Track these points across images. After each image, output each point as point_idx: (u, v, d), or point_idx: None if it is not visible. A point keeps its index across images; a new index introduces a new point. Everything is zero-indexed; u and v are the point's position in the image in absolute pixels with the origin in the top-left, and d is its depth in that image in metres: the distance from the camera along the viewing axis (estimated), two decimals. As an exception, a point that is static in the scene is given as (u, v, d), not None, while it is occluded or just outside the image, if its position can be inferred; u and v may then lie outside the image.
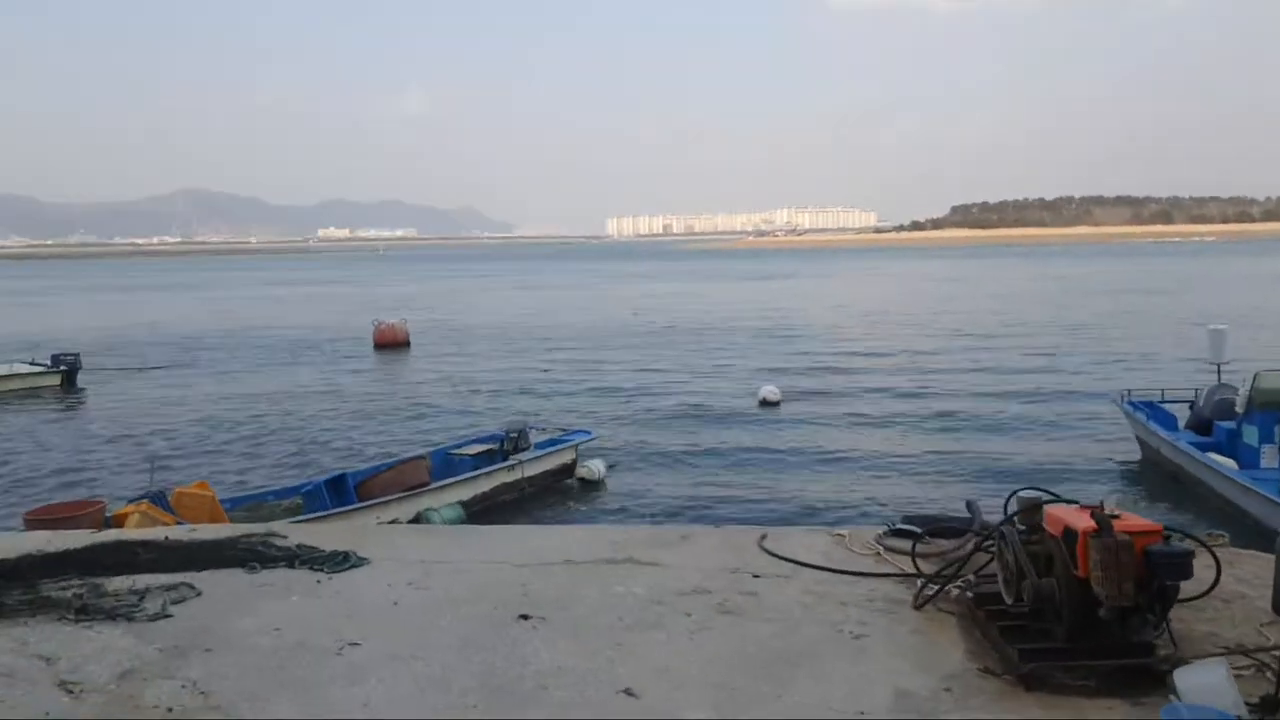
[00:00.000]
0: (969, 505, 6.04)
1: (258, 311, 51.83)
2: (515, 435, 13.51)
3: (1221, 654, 3.74)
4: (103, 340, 36.31)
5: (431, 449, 13.81)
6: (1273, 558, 5.19)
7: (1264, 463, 11.96)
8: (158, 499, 9.79)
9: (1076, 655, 3.73)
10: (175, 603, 4.64)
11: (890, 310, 44.65)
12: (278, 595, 4.78)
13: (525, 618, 4.40)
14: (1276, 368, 12.66)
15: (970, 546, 4.80)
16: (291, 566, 5.22)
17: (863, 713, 3.50)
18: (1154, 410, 14.35)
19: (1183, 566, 3.57)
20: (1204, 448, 12.71)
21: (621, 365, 26.98)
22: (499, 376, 25.35)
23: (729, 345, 31.46)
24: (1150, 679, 3.61)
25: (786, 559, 5.26)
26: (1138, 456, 14.69)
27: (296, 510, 10.87)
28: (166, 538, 5.85)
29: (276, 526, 6.26)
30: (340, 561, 5.23)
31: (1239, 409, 12.52)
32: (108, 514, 9.31)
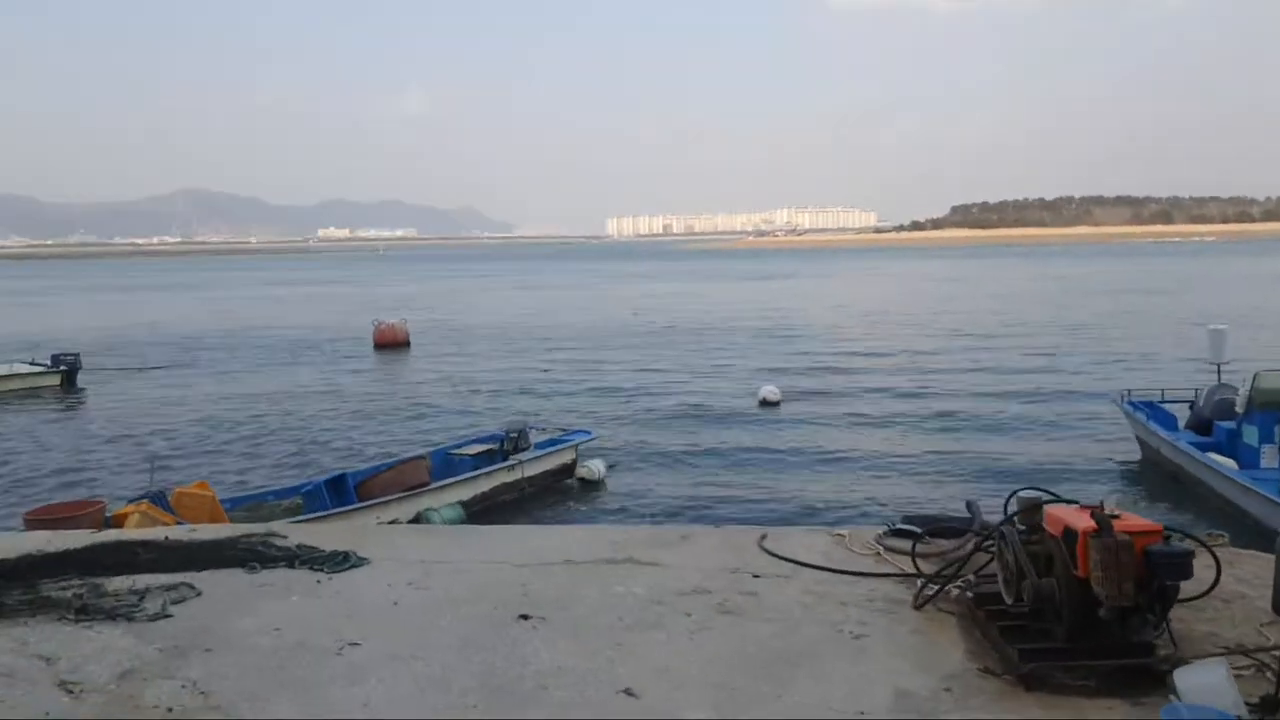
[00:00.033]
0: (969, 505, 6.04)
1: (258, 311, 51.83)
2: (515, 435, 13.51)
3: (1221, 654, 3.74)
4: (103, 340, 36.31)
5: (431, 449, 13.81)
6: (1273, 558, 5.19)
7: (1264, 463, 11.97)
8: (158, 499, 9.79)
9: (1076, 655, 3.73)
10: (175, 603, 4.64)
11: (890, 310, 44.64)
12: (278, 595, 4.78)
13: (525, 618, 4.40)
14: (1276, 368, 12.66)
15: (970, 546, 4.80)
16: (291, 566, 5.22)
17: (863, 713, 3.50)
18: (1154, 410, 14.35)
19: (1183, 566, 3.57)
20: (1204, 448, 12.71)
21: (621, 365, 26.98)
22: (499, 376, 25.35)
23: (729, 345, 31.45)
24: (1150, 679, 3.61)
25: (786, 559, 5.26)
26: (1138, 456, 14.69)
27: (296, 510, 10.87)
28: (166, 538, 5.85)
29: (276, 526, 6.26)
30: (340, 561, 5.23)
31: (1239, 409, 12.52)
32: (108, 514, 9.31)
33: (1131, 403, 14.93)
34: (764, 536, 5.72)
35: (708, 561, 5.28)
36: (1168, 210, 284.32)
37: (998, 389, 21.33)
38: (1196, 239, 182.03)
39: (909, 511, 7.97)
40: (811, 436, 16.84)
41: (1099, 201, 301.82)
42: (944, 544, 5.35)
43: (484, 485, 12.60)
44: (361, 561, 5.27)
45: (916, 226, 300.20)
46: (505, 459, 13.16)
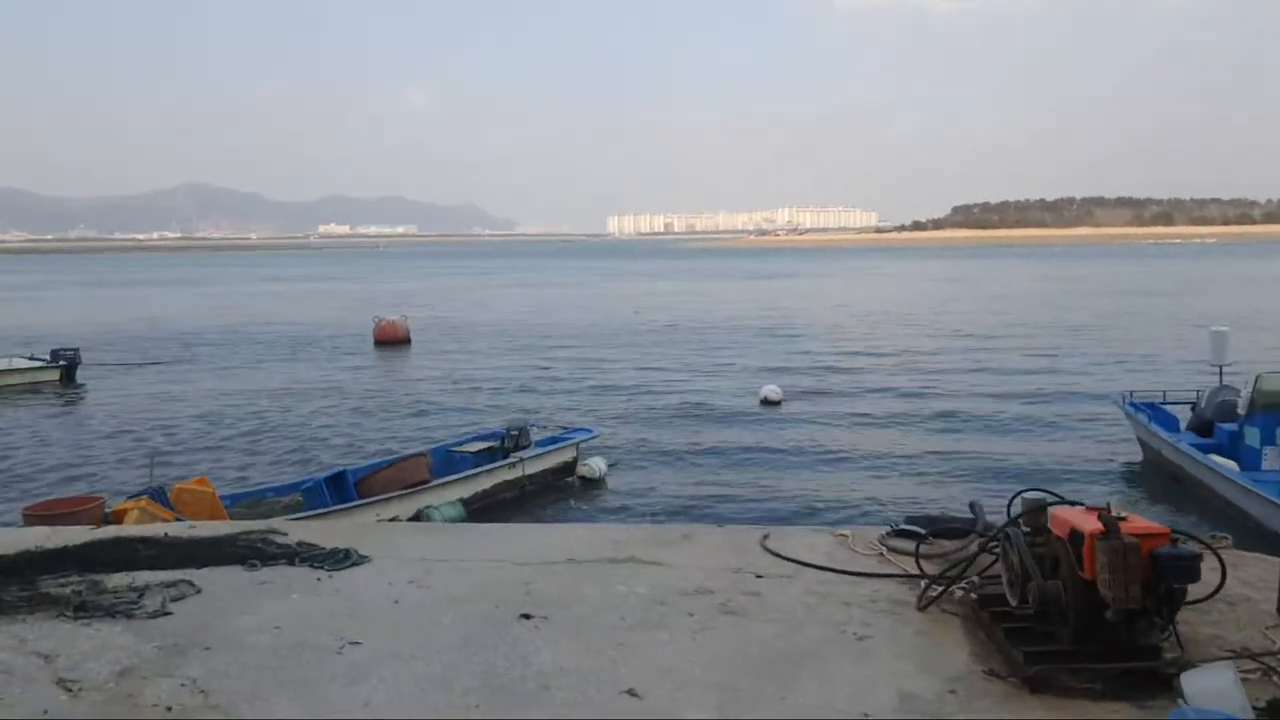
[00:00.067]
0: (972, 506, 6.01)
1: (257, 307, 51.82)
2: (516, 433, 13.50)
3: (1228, 658, 3.72)
4: (102, 335, 36.30)
5: (432, 446, 13.79)
6: (1277, 561, 5.18)
7: (1265, 465, 11.97)
8: (157, 495, 9.77)
9: (1082, 658, 3.70)
10: (175, 600, 4.61)
11: (891, 310, 44.63)
12: (278, 593, 4.75)
13: (527, 617, 4.37)
14: (1278, 370, 12.65)
15: (974, 548, 4.78)
16: (292, 564, 5.19)
17: (867, 714, 3.47)
18: (1155, 412, 14.34)
19: (1190, 569, 3.54)
20: (1205, 449, 12.70)
21: (622, 364, 26.97)
22: (499, 374, 25.33)
23: (730, 344, 31.44)
24: (1156, 682, 3.59)
25: (789, 559, 5.24)
26: (1139, 458, 14.68)
27: (296, 507, 10.85)
28: (166, 534, 5.82)
29: (276, 523, 6.23)
30: (341, 559, 5.20)
31: (1241, 411, 12.52)
32: (107, 510, 9.30)
33: (1133, 404, 14.92)
34: (766, 536, 5.70)
35: (710, 561, 5.26)
36: (1169, 212, 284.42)
37: (999, 389, 21.32)
38: (1197, 240, 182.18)
39: (911, 512, 7.94)
40: (813, 436, 16.82)
41: (1100, 202, 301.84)
42: (947, 545, 5.32)
43: (485, 483, 12.58)
44: (362, 559, 5.24)
45: (917, 226, 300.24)
46: (506, 457, 13.14)
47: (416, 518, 11.20)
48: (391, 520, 10.66)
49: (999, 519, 4.76)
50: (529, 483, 13.22)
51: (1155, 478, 13.77)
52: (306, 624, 4.31)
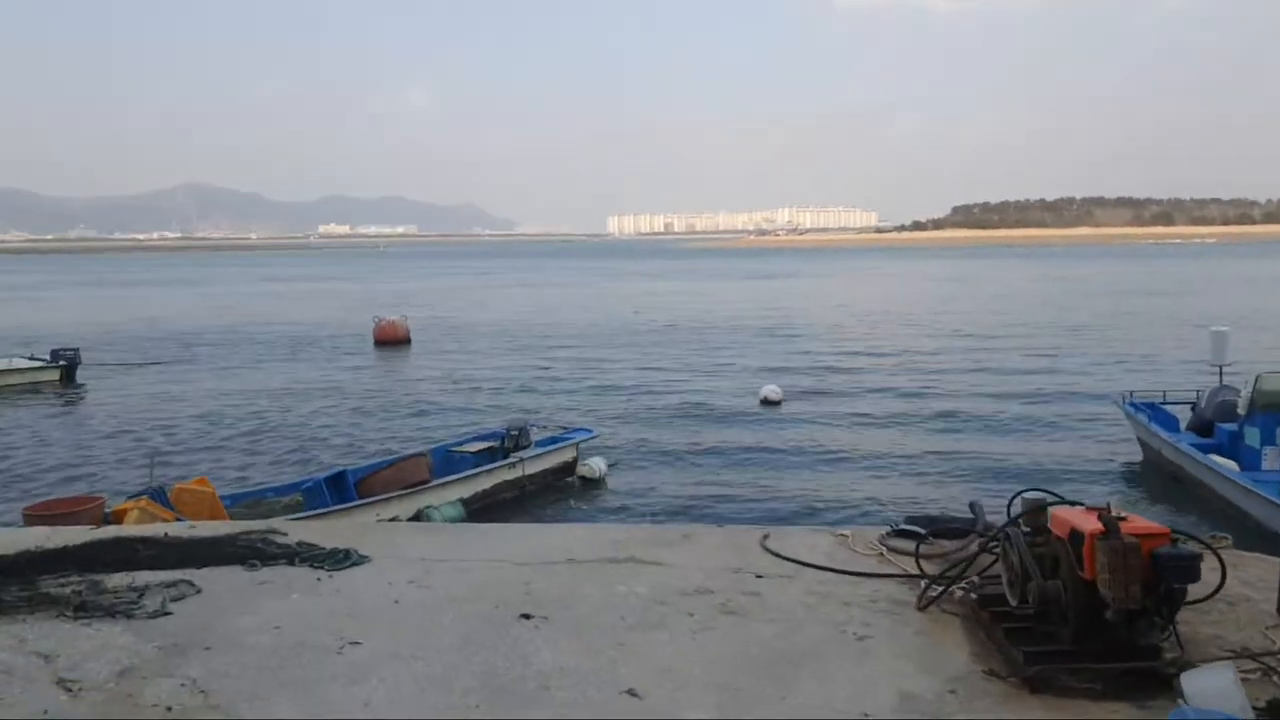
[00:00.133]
0: (972, 506, 6.01)
1: (258, 307, 51.82)
2: (516, 433, 13.50)
3: (1228, 658, 3.72)
4: (102, 335, 36.30)
5: (432, 446, 13.78)
6: (1277, 560, 5.18)
7: (1265, 465, 11.97)
8: (157, 495, 9.77)
9: (1082, 658, 3.70)
10: (175, 600, 4.61)
11: (891, 310, 44.64)
12: (278, 593, 4.75)
13: (527, 617, 4.37)
14: (1278, 370, 12.65)
15: (975, 548, 4.78)
16: (292, 564, 5.19)
17: (867, 714, 3.47)
18: (1155, 412, 14.34)
19: (1190, 569, 3.54)
20: (1205, 449, 12.70)
21: (622, 364, 26.97)
22: (500, 374, 25.34)
23: (730, 344, 31.45)
24: (1156, 682, 3.59)
25: (789, 559, 5.24)
26: (1139, 458, 14.68)
27: (296, 507, 10.84)
28: (166, 534, 5.82)
29: (276, 523, 6.23)
30: (341, 559, 5.20)
31: (1241, 411, 12.52)
32: (107, 510, 9.30)
33: (1133, 404, 14.92)
34: (766, 536, 5.70)
35: (710, 561, 5.25)
36: (1169, 212, 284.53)
37: (999, 390, 21.32)
38: (1197, 240, 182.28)
39: (910, 512, 7.94)
40: (812, 436, 16.83)
41: (1100, 202, 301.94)
42: (947, 545, 5.32)
43: (484, 483, 12.58)
44: (362, 559, 5.24)
45: (917, 226, 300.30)
46: (506, 457, 13.14)
47: (416, 518, 11.20)
48: (391, 520, 10.66)
49: (999, 519, 4.75)
50: (529, 483, 13.21)
51: (1155, 478, 13.77)
52: (306, 624, 4.31)
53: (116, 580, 4.90)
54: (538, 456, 13.41)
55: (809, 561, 5.19)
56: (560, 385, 23.30)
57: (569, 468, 13.99)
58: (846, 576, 4.97)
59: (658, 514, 12.33)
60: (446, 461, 13.00)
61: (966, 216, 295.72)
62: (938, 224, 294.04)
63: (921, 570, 4.92)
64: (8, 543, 5.68)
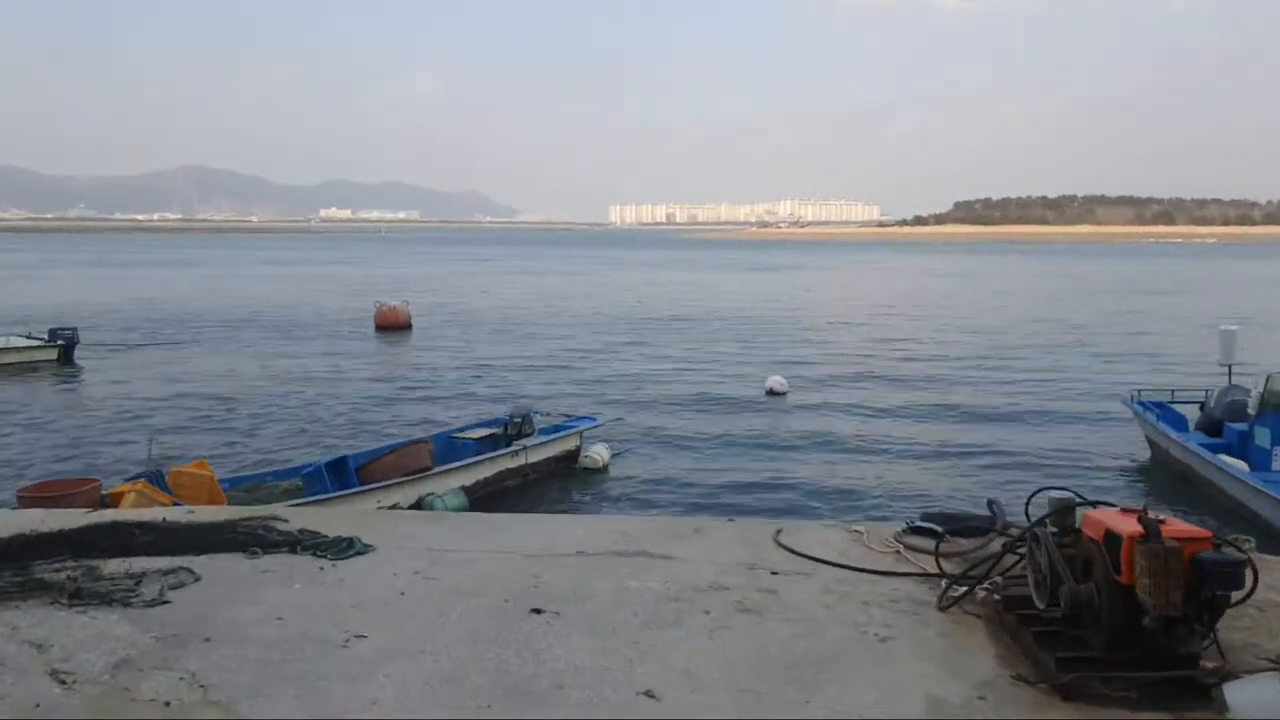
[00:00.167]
0: (991, 504, 5.87)
1: (258, 290, 51.64)
2: (519, 420, 13.36)
3: (1270, 667, 3.58)
4: (101, 315, 36.15)
5: (434, 433, 13.65)
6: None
7: (1276, 465, 11.87)
8: (155, 478, 9.63)
9: (1117, 665, 3.56)
10: (173, 588, 4.45)
11: (895, 304, 44.52)
12: (280, 582, 4.60)
13: (538, 612, 4.23)
14: (1288, 370, 12.52)
15: (999, 547, 4.63)
16: (294, 552, 5.03)
17: (896, 721, 3.33)
18: (1164, 411, 14.23)
19: (1235, 576, 3.40)
20: (1215, 449, 12.59)
21: (626, 353, 26.85)
22: (501, 360, 25.21)
23: (735, 335, 31.34)
24: (1194, 692, 3.44)
25: (805, 555, 5.09)
26: (1147, 456, 14.57)
27: (296, 492, 10.71)
28: (164, 519, 5.66)
29: (278, 510, 6.08)
30: (344, 548, 5.05)
31: (1251, 411, 12.41)
32: (103, 492, 9.16)
33: (1141, 403, 14.81)
34: (780, 531, 5.55)
35: (722, 556, 5.11)
36: (1170, 211, 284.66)
37: (1005, 386, 21.21)
38: (1198, 240, 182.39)
39: (920, 507, 7.83)
40: (819, 428, 16.71)
41: (1101, 201, 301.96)
42: (965, 543, 5.18)
43: (487, 471, 12.44)
44: (366, 548, 5.09)
45: (919, 221, 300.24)
46: (509, 444, 13.00)
47: (418, 505, 11.07)
48: (393, 507, 10.53)
49: (1015, 518, 4.61)
50: (532, 471, 13.08)
51: (1163, 477, 13.67)
52: (309, 615, 4.16)
53: (113, 566, 4.74)
54: (541, 444, 13.27)
55: (825, 558, 5.05)
56: (563, 373, 23.18)
57: (572, 456, 13.86)
58: (864, 575, 4.83)
59: (663, 504, 12.21)
60: (449, 448, 12.86)
61: (968, 212, 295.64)
62: (940, 219, 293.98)
63: (942, 570, 4.77)
64: (1, 525, 5.53)
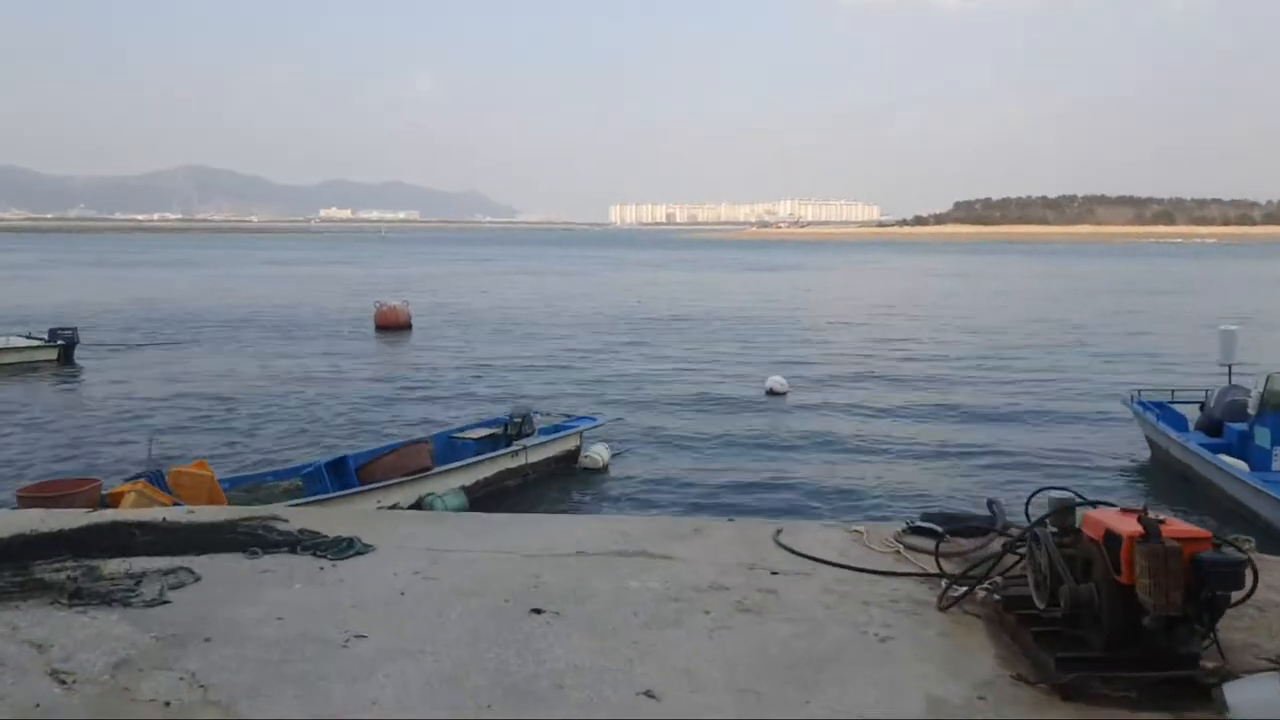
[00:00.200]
0: (990, 504, 5.87)
1: (258, 290, 51.64)
2: (519, 420, 13.36)
3: (1270, 668, 3.58)
4: (101, 315, 36.14)
5: (434, 432, 13.65)
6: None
7: (1275, 465, 11.87)
8: (155, 478, 9.63)
9: (1117, 665, 3.56)
10: (173, 588, 4.45)
11: (895, 304, 44.53)
12: (280, 582, 4.60)
13: (538, 612, 4.23)
14: (1289, 370, 12.52)
15: (999, 547, 4.63)
16: (294, 552, 5.03)
17: (896, 721, 3.33)
18: (1164, 410, 14.23)
19: (1235, 576, 3.40)
20: (1215, 449, 12.59)
21: (626, 353, 26.85)
22: (501, 360, 25.21)
23: (735, 335, 31.35)
24: (1194, 692, 3.45)
25: (804, 555, 5.09)
26: (1147, 456, 14.57)
27: (296, 492, 10.71)
28: (164, 519, 5.66)
29: (278, 510, 6.08)
30: (344, 548, 5.05)
31: (1251, 411, 12.41)
32: (103, 492, 9.16)
33: (1141, 403, 14.81)
34: (779, 531, 5.55)
35: (722, 556, 5.11)
36: (1169, 211, 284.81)
37: (1005, 386, 21.21)
38: (1198, 240, 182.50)
39: (919, 507, 7.83)
40: (819, 428, 16.72)
41: (1101, 201, 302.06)
42: (964, 543, 5.19)
43: (487, 471, 12.44)
44: (366, 549, 5.09)
45: (919, 221, 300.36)
46: (509, 444, 12.99)
47: (418, 505, 11.07)
48: (393, 507, 10.53)
49: (1015, 518, 4.61)
50: (532, 471, 13.08)
51: (1163, 477, 13.67)
52: (310, 615, 4.16)
53: (113, 566, 4.74)
54: (541, 444, 13.27)
55: (824, 558, 5.05)
56: (563, 373, 23.19)
57: (572, 456, 13.86)
58: (864, 574, 4.83)
59: (663, 504, 12.21)
60: (449, 448, 12.86)
61: (968, 212, 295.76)
62: (940, 219, 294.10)
63: (942, 570, 4.77)
64: (1, 525, 5.53)
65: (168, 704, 3.32)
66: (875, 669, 3.74)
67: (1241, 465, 12.00)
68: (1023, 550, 4.30)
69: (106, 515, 5.97)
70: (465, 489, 11.89)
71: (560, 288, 56.41)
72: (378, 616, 4.16)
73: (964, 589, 4.43)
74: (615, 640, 3.94)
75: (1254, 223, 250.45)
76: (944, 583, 4.59)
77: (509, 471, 12.76)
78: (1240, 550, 3.90)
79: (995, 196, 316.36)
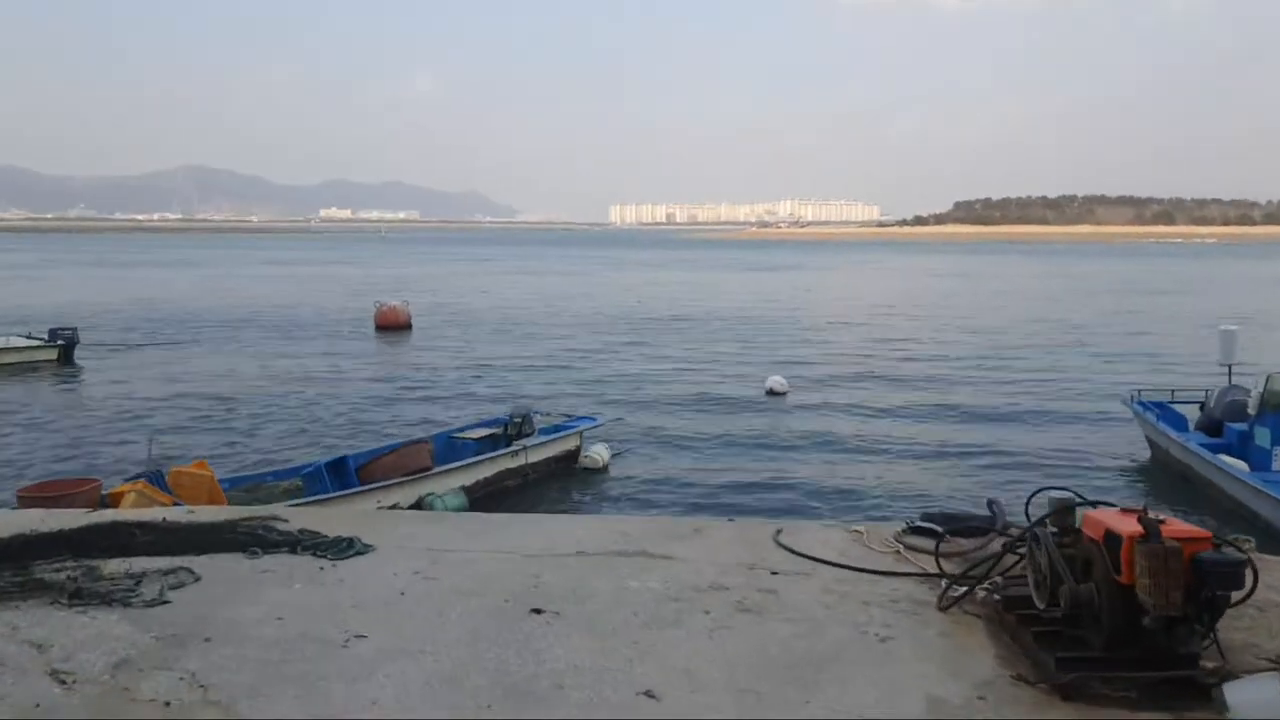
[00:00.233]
0: (991, 504, 5.87)
1: (258, 290, 51.64)
2: (519, 420, 13.36)
3: (1270, 668, 3.58)
4: (101, 315, 36.14)
5: (434, 432, 13.65)
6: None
7: (1276, 465, 11.87)
8: (155, 478, 9.63)
9: (1117, 665, 3.56)
10: (173, 588, 4.45)
11: (895, 304, 44.53)
12: (280, 582, 4.60)
13: (538, 612, 4.23)
14: (1290, 370, 12.52)
15: (999, 547, 4.63)
16: (294, 552, 5.03)
17: (896, 721, 3.33)
18: (1164, 410, 14.23)
19: (1235, 576, 3.40)
20: (1215, 449, 12.59)
21: (626, 353, 26.85)
22: (501, 360, 25.21)
23: (735, 335, 31.34)
24: (1194, 692, 3.45)
25: (804, 555, 5.09)
26: (1147, 456, 14.57)
27: (296, 492, 10.71)
28: (164, 519, 5.66)
29: (278, 510, 6.08)
30: (344, 548, 5.05)
31: (1251, 411, 12.40)
32: (103, 492, 9.16)
33: (1141, 403, 14.81)
34: (779, 531, 5.55)
35: (722, 556, 5.11)
36: (1169, 211, 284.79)
37: (1005, 386, 21.21)
38: (1198, 240, 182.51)
39: (919, 507, 7.83)
40: (819, 428, 16.72)
41: (1101, 201, 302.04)
42: (964, 543, 5.19)
43: (487, 471, 12.44)
44: (366, 549, 5.09)
45: (919, 221, 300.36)
46: (509, 444, 12.99)
47: (418, 505, 11.07)
48: (393, 507, 10.53)
49: (1014, 518, 4.61)
50: (532, 471, 13.08)
51: (1163, 477, 13.67)
52: (310, 615, 4.16)
53: (113, 566, 4.74)
54: (541, 444, 13.27)
55: (825, 558, 5.05)
56: (563, 373, 23.19)
57: (572, 456, 13.86)
58: (864, 574, 4.83)
59: (664, 504, 12.21)
60: (449, 448, 12.86)
61: (968, 212, 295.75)
62: (940, 219, 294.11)
63: (942, 570, 4.77)
64: (1, 525, 5.53)
65: (168, 704, 3.32)
66: (875, 669, 3.74)
67: (1241, 465, 12.00)
68: (1023, 550, 4.30)
69: (106, 515, 5.97)
70: (465, 489, 11.89)
71: (560, 288, 56.40)
72: (378, 616, 4.16)
73: (964, 589, 4.43)
74: (615, 640, 3.94)
75: (1254, 223, 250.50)
76: (944, 583, 4.59)
77: (509, 471, 12.76)
78: (1240, 550, 3.90)
79: (995, 196, 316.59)
